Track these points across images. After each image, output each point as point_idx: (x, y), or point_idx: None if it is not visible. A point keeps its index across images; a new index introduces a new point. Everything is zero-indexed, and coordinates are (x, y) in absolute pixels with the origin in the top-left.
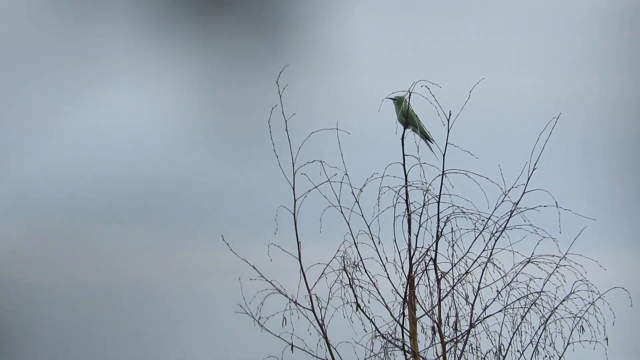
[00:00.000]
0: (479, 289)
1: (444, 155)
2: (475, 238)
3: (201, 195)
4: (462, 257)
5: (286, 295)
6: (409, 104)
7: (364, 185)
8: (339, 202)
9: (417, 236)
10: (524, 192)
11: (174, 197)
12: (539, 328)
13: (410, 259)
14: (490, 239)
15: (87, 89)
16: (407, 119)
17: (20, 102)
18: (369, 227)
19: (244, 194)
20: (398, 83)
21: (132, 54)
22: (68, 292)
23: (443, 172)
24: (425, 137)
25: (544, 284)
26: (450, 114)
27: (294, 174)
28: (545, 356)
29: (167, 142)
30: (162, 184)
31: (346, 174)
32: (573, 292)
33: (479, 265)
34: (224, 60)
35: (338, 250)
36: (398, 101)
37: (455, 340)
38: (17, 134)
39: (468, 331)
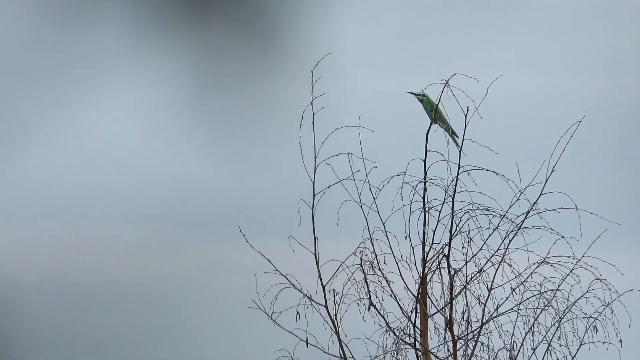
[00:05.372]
0: (492, 287)
1: (460, 152)
2: (489, 235)
3: (217, 191)
4: (475, 254)
5: (300, 290)
6: (439, 99)
7: (388, 182)
8: (359, 198)
9: (434, 233)
10: (541, 193)
11: (189, 193)
12: (551, 327)
13: (424, 256)
14: (505, 238)
15: (80, 92)
16: (435, 114)
17: (12, 106)
18: (383, 223)
19: (261, 189)
20: (424, 79)
21: (124, 55)
22: (79, 291)
23: (459, 168)
24: (452, 132)
25: (559, 285)
26: (467, 110)
27: (315, 169)
28: (558, 358)
29: (176, 139)
30: (176, 180)
31: (376, 166)
32: (589, 292)
33: (493, 264)
34: (221, 58)
35: (358, 247)
36: (423, 98)
37: (466, 338)
38: (14, 138)
39: (479, 329)
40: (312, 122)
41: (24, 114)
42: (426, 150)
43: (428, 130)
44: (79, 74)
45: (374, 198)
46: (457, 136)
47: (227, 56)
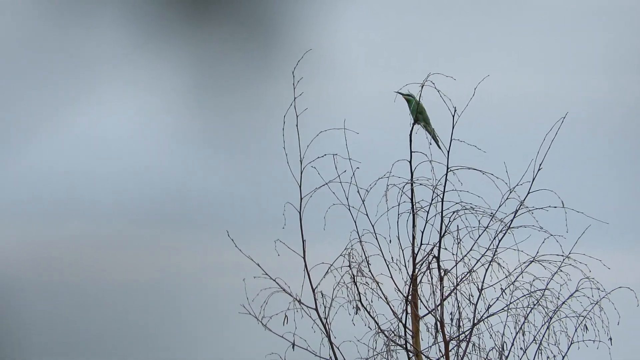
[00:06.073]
0: (482, 287)
1: (448, 152)
2: (480, 235)
3: (205, 195)
4: (465, 255)
5: (290, 294)
6: (419, 99)
7: (375, 183)
8: (347, 200)
9: (422, 233)
10: (528, 192)
11: (177, 197)
12: (542, 327)
13: (414, 257)
14: (494, 238)
15: (80, 93)
16: (418, 114)
17: (12, 106)
18: (373, 225)
19: (248, 193)
20: (405, 80)
21: (123, 57)
22: (77, 291)
23: (447, 168)
24: (434, 137)
25: (547, 283)
26: (455, 111)
27: (301, 172)
28: (548, 357)
29: (165, 143)
30: (164, 184)
31: (358, 167)
32: (578, 290)
33: (482, 265)
34: (220, 61)
35: (345, 249)
36: (408, 98)
37: (457, 339)
38: (14, 138)
39: (471, 330)
40: (297, 125)
41: (24, 114)
42: (411, 151)
43: (411, 131)
44: (79, 75)
45: (362, 200)
46: (439, 140)
47: (226, 58)
